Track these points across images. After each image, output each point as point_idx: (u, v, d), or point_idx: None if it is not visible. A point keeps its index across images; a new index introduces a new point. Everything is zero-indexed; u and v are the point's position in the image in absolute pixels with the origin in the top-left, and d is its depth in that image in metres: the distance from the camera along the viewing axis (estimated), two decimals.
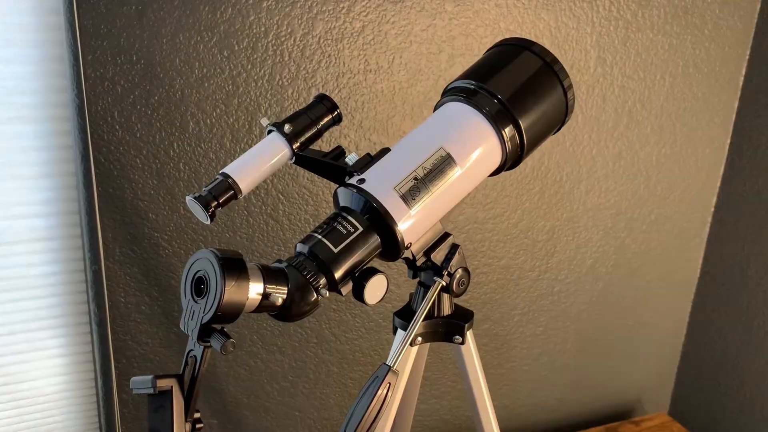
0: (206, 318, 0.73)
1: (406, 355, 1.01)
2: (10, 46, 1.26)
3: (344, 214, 0.85)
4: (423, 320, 1.01)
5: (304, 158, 0.91)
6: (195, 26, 1.32)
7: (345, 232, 0.83)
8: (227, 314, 0.74)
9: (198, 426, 0.78)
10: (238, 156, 0.94)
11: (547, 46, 1.60)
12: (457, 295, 0.97)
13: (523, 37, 1.01)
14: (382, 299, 0.86)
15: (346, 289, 0.85)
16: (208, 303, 0.73)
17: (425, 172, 0.87)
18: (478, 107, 0.92)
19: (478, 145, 0.92)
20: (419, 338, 1.02)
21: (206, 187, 0.86)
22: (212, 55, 1.35)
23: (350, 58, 1.46)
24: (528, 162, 1.72)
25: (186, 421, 0.76)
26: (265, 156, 0.89)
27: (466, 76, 0.97)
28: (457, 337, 1.02)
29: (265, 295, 0.77)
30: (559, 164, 1.77)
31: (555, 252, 1.86)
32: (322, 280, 0.81)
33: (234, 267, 0.74)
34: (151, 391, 0.74)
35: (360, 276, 0.83)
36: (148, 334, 1.49)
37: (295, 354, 1.65)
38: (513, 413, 2.01)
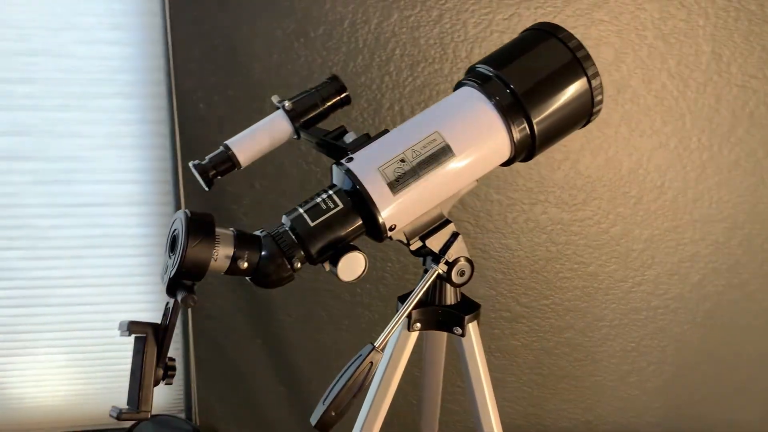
0: (172, 272, 0.79)
1: (404, 339, 1.00)
2: (116, 29, 1.42)
3: (329, 191, 0.87)
4: (423, 307, 1.00)
5: (307, 136, 0.94)
6: (273, 13, 1.39)
7: (325, 207, 0.85)
8: (191, 271, 0.79)
9: (170, 373, 0.84)
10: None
11: (650, 40, 1.48)
12: (458, 285, 0.94)
13: (553, 23, 0.94)
14: (359, 277, 0.86)
15: (329, 265, 0.86)
16: (175, 259, 0.79)
17: (414, 155, 0.85)
18: (489, 95, 0.88)
19: (480, 134, 0.88)
20: (418, 324, 1.00)
21: (209, 155, 0.92)
22: (289, 41, 1.42)
23: (426, 47, 1.46)
24: (624, 163, 1.60)
25: (158, 366, 0.82)
26: (266, 131, 0.93)
27: (486, 60, 0.93)
28: (457, 328, 0.99)
29: (233, 259, 0.81)
30: (661, 168, 1.62)
31: (653, 264, 1.71)
32: (297, 253, 0.83)
33: (200, 228, 0.79)
34: (127, 334, 0.81)
35: (336, 252, 0.84)
36: (223, 297, 1.61)
37: (362, 335, 1.68)
38: (596, 431, 1.88)
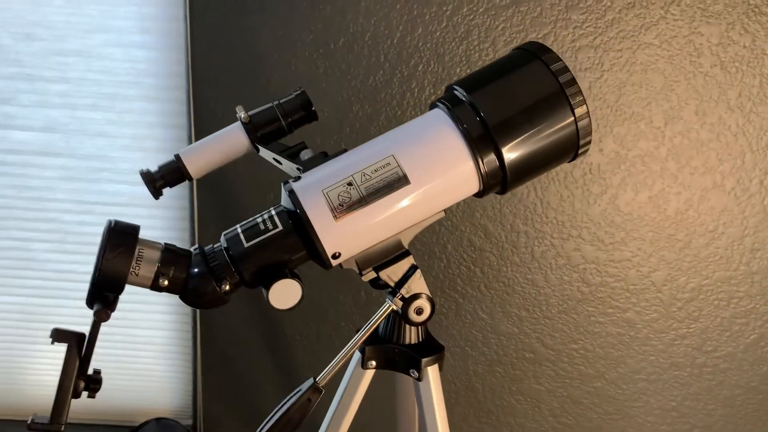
0: (90, 282, 0.76)
1: (357, 377, 0.92)
2: (144, 32, 1.44)
3: (272, 211, 0.81)
4: (380, 344, 0.92)
5: (265, 150, 0.88)
6: (294, 23, 1.36)
7: (263, 228, 0.79)
8: (108, 283, 0.76)
9: (92, 386, 0.81)
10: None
11: (706, 68, 1.33)
12: (415, 324, 0.85)
13: (540, 42, 0.83)
14: (294, 307, 0.80)
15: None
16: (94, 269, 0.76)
17: (364, 179, 0.78)
18: (457, 121, 0.80)
19: (442, 163, 0.79)
20: (372, 362, 0.92)
21: (159, 164, 0.89)
22: (309, 52, 1.38)
23: (451, 64, 1.37)
24: (672, 202, 1.45)
25: (80, 378, 0.79)
26: (220, 143, 0.89)
27: (462, 81, 0.84)
28: (414, 371, 0.90)
29: (156, 276, 0.77)
30: (714, 211, 1.45)
31: (700, 316, 1.53)
32: (229, 274, 0.78)
33: (120, 240, 0.75)
34: (51, 342, 0.79)
35: (269, 277, 0.78)
36: (234, 310, 1.59)
37: None
38: None
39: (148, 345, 1.70)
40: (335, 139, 1.43)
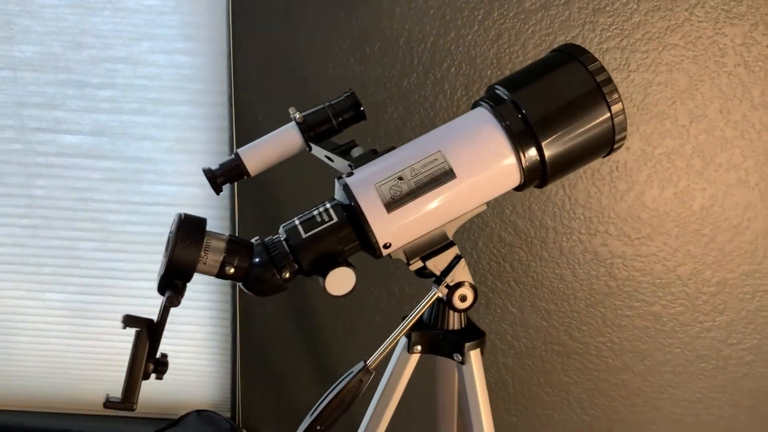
0: (161, 271, 0.82)
1: (403, 361, 0.97)
2: (189, 40, 1.51)
3: (327, 204, 0.87)
4: (425, 330, 0.98)
5: (317, 148, 0.95)
6: (332, 29, 1.42)
7: (319, 220, 0.85)
8: (179, 271, 0.82)
9: (160, 368, 0.87)
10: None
11: (730, 67, 1.38)
12: (459, 310, 0.91)
13: (577, 44, 0.89)
14: (348, 294, 0.86)
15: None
16: (165, 259, 0.82)
17: (413, 173, 0.84)
18: (500, 119, 0.85)
19: (486, 158, 0.85)
20: (418, 347, 0.98)
21: (220, 162, 0.95)
22: (345, 56, 1.44)
23: (482, 67, 1.43)
24: (697, 198, 1.49)
25: (149, 360, 0.86)
26: (276, 142, 0.94)
27: (503, 81, 0.90)
28: (457, 354, 0.95)
29: (222, 264, 0.83)
30: (739, 206, 1.49)
31: (725, 309, 1.57)
32: (288, 263, 0.84)
33: (191, 231, 0.81)
34: (123, 327, 0.85)
35: (325, 265, 0.84)
36: (273, 304, 1.65)
37: None
38: None
39: (188, 340, 1.77)
40: (370, 139, 1.49)
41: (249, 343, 1.69)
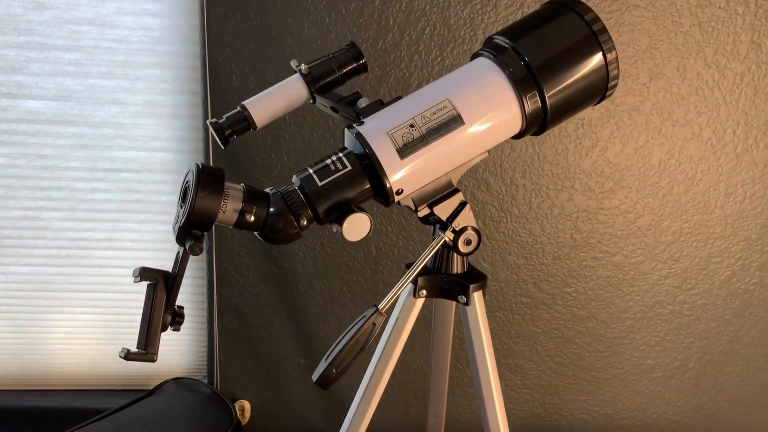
0: (182, 221, 0.83)
1: (410, 305, 1.02)
2: (158, 0, 1.47)
3: (339, 153, 0.89)
4: (430, 274, 1.02)
5: (322, 100, 0.96)
6: None
7: (333, 168, 0.87)
8: (199, 220, 0.82)
9: (177, 319, 0.88)
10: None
11: (687, 27, 1.46)
12: (464, 254, 0.95)
13: None
14: (364, 238, 0.89)
15: (335, 226, 0.89)
16: (185, 208, 0.83)
17: (424, 121, 0.87)
18: (503, 66, 0.90)
19: (491, 105, 0.89)
20: (423, 291, 1.02)
21: (226, 114, 0.95)
22: (321, 17, 1.45)
23: (456, 27, 1.47)
24: (655, 152, 1.58)
25: (166, 312, 0.86)
26: (282, 93, 0.96)
27: (503, 31, 0.94)
28: (462, 296, 1.00)
29: (241, 212, 0.84)
30: (693, 159, 1.59)
31: (681, 257, 1.68)
32: (305, 211, 0.86)
33: (210, 180, 0.82)
34: (138, 280, 0.85)
35: (342, 213, 0.87)
36: (249, 267, 1.66)
37: None
38: (615, 424, 1.86)
39: None
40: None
41: (226, 309, 1.69)
